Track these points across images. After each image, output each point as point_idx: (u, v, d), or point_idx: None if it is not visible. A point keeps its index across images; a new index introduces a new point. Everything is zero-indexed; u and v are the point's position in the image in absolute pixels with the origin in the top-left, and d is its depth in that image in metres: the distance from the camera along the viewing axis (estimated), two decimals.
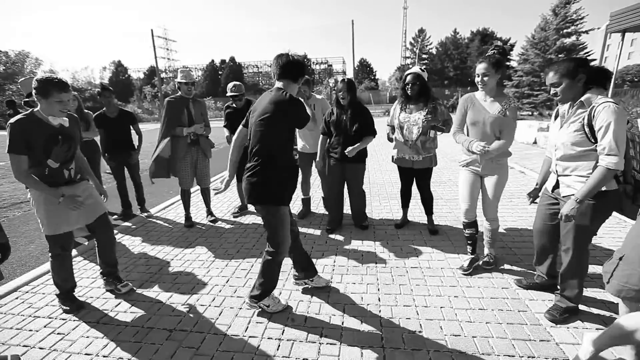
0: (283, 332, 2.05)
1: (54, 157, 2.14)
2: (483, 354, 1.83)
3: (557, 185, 2.07)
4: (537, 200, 2.34)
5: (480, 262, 2.75)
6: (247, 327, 2.11)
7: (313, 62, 53.04)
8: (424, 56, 48.73)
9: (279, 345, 1.94)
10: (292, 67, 2.06)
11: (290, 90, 2.09)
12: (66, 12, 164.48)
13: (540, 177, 2.32)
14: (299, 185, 4.43)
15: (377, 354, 1.86)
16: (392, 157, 3.39)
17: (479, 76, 2.43)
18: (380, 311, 2.22)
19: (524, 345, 1.88)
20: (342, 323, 2.11)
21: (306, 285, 2.49)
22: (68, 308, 2.33)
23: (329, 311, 2.23)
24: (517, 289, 2.41)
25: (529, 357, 1.80)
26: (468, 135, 2.62)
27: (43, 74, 2.10)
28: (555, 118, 2.09)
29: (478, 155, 2.51)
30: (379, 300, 2.34)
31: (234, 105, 3.94)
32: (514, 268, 2.70)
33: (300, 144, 3.94)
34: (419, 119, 3.07)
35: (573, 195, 1.89)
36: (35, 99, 2.07)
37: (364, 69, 52.17)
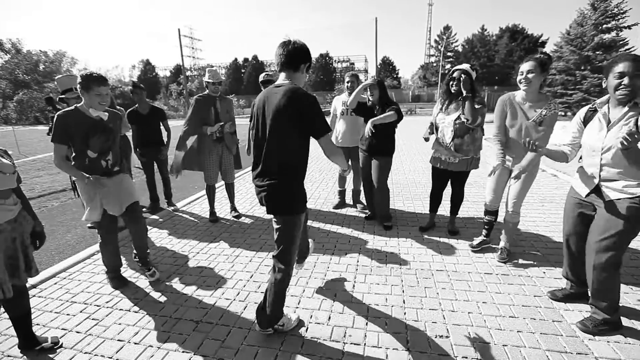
0: (307, 329, 2.05)
1: (91, 147, 2.34)
2: None
3: (594, 191, 1.94)
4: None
5: (496, 257, 2.85)
6: None
7: (335, 60, 52.88)
8: (449, 54, 47.42)
9: (303, 343, 1.94)
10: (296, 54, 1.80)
11: (298, 82, 1.84)
12: (97, 12, 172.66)
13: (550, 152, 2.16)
14: (335, 179, 4.46)
15: (402, 356, 1.82)
16: (431, 157, 3.30)
17: (522, 74, 2.39)
18: (405, 314, 2.17)
19: (559, 357, 1.79)
20: (366, 324, 2.09)
21: None
22: (114, 284, 2.59)
23: (352, 311, 2.22)
24: (550, 298, 2.29)
25: None
26: (508, 136, 2.64)
27: (85, 71, 2.32)
28: (585, 121, 1.98)
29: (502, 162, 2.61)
30: (404, 302, 2.29)
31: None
32: (547, 276, 2.58)
33: (334, 137, 4.16)
34: (453, 121, 2.96)
35: (619, 199, 1.81)
36: (80, 94, 2.30)
37: (387, 67, 51.44)
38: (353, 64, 53.25)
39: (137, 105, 4.19)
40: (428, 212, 3.58)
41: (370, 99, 3.33)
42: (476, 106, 2.81)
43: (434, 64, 49.71)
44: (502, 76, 39.47)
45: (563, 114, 17.93)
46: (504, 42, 40.29)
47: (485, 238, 3.03)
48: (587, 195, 1.99)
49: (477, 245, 3.02)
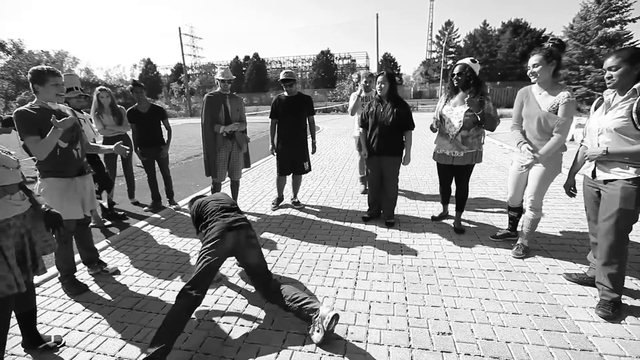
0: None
1: (62, 136, 2.28)
2: None
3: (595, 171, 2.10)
4: (576, 189, 2.43)
5: (511, 252, 2.83)
6: (274, 320, 2.12)
7: (336, 58, 52.66)
8: (450, 50, 47.09)
9: (305, 340, 1.93)
10: None
11: None
12: (97, 11, 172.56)
13: (573, 167, 2.39)
14: (356, 164, 4.79)
15: (404, 354, 1.81)
16: (434, 153, 3.30)
17: (530, 68, 2.48)
18: (407, 311, 2.16)
19: (564, 354, 1.77)
20: (368, 321, 2.08)
21: None
22: (72, 291, 2.50)
23: (354, 308, 2.21)
24: (554, 294, 2.28)
25: None
26: (523, 128, 2.69)
27: (35, 66, 2.28)
28: (596, 107, 2.13)
29: (530, 157, 2.54)
30: (406, 299, 2.28)
31: (286, 93, 3.94)
32: (550, 272, 2.55)
33: (355, 129, 4.36)
34: (462, 112, 2.95)
35: (615, 180, 1.95)
36: (34, 90, 2.24)
37: (388, 64, 51.14)
38: (354, 60, 52.99)
39: (137, 104, 4.19)
40: (430, 209, 3.58)
41: (379, 92, 3.31)
42: (489, 109, 2.89)
43: (436, 60, 49.39)
44: (505, 71, 39.18)
45: None
46: (507, 37, 39.90)
47: (509, 232, 3.08)
48: (593, 176, 2.11)
49: (499, 237, 3.08)
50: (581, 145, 2.31)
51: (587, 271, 2.43)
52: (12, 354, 1.91)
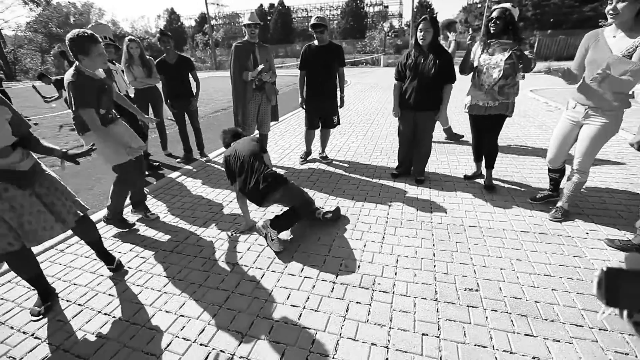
0: (337, 276, 2.13)
1: (103, 105, 2.36)
2: (546, 319, 1.74)
3: None
4: None
5: (549, 215, 2.71)
6: (303, 268, 2.22)
7: (367, 4, 48.54)
8: None
9: (333, 288, 2.03)
10: None
11: None
12: None
13: None
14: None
15: (430, 305, 1.86)
16: (465, 105, 3.12)
17: (611, 3, 2.05)
18: (435, 266, 2.18)
19: (595, 317, 1.74)
20: (395, 274, 2.12)
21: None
22: (122, 227, 2.79)
23: (381, 261, 2.26)
24: (592, 259, 2.19)
25: (600, 329, 1.67)
26: (584, 77, 2.33)
27: (71, 33, 2.10)
28: None
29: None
30: (434, 255, 2.29)
31: (316, 42, 3.72)
32: (590, 237, 2.43)
33: None
34: (501, 61, 2.74)
35: None
36: (78, 58, 2.14)
37: (424, 11, 46.59)
38: (387, 7, 48.56)
39: (165, 55, 4.13)
40: (463, 167, 3.44)
41: (421, 41, 3.01)
42: (527, 53, 2.67)
43: (479, 5, 44.21)
44: (559, 17, 34.50)
45: None
46: None
47: (550, 192, 2.91)
48: None
49: (539, 199, 2.93)
50: None
51: (632, 238, 2.29)
52: (101, 275, 2.16)
